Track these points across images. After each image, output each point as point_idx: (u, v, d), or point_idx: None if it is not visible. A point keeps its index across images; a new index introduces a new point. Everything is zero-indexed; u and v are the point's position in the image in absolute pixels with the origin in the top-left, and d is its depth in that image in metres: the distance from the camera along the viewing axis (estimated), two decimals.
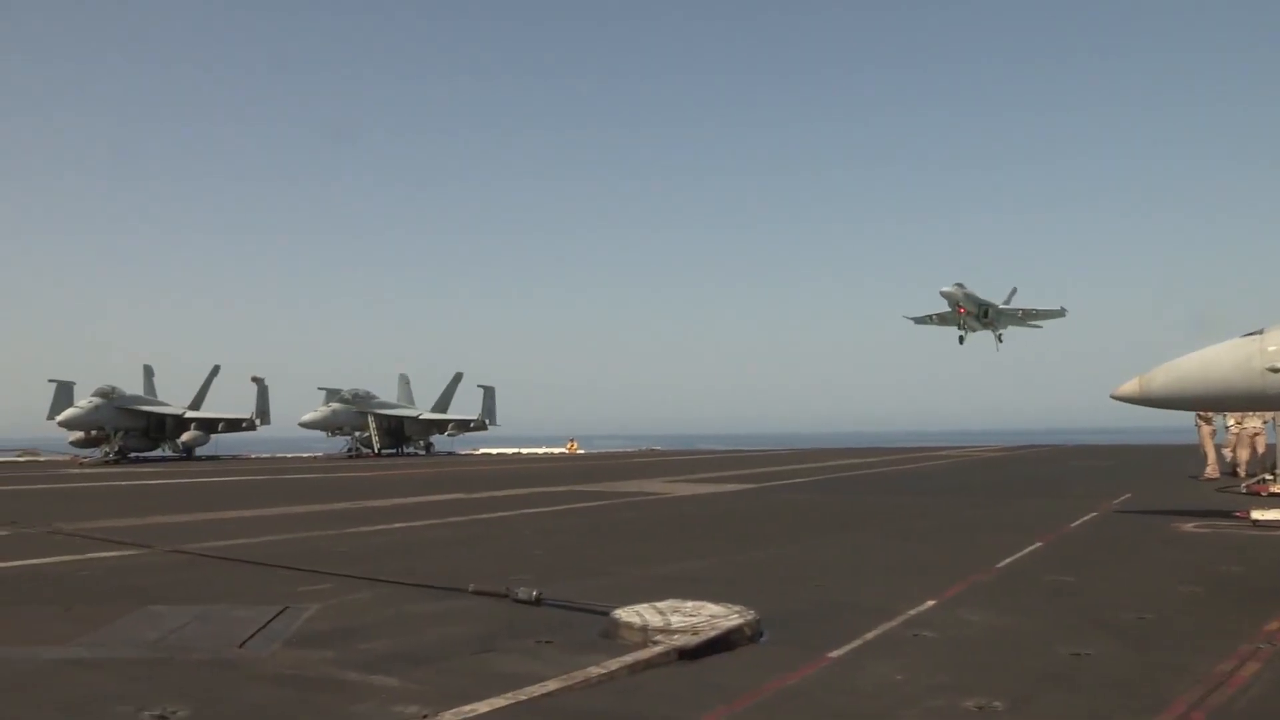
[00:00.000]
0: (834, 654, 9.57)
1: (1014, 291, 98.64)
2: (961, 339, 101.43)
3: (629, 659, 9.06)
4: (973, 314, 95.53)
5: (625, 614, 10.41)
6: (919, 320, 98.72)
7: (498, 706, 7.65)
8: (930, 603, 12.23)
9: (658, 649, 9.38)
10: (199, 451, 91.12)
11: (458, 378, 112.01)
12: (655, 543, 20.53)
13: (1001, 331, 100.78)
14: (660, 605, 10.78)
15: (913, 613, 11.61)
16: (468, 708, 7.57)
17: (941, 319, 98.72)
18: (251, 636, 10.39)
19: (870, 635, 10.38)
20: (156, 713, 7.64)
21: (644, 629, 9.93)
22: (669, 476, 46.61)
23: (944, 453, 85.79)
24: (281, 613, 11.58)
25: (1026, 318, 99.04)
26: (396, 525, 23.75)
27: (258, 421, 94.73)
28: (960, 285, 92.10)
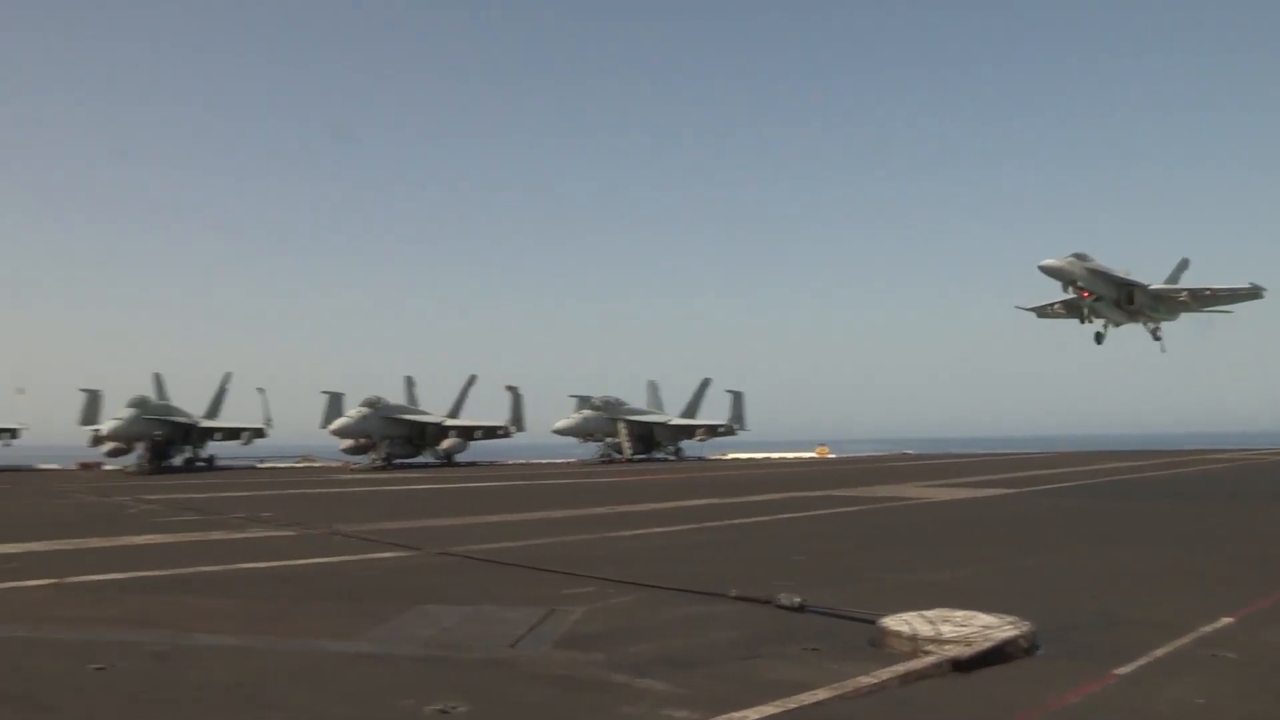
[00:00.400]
0: (1120, 671, 8.95)
1: (1183, 265, 75.29)
2: (1099, 337, 74.01)
3: (900, 669, 8.76)
4: (1108, 299, 70.53)
5: (893, 622, 10.10)
6: (1040, 312, 75.65)
7: (768, 714, 7.52)
8: (1227, 620, 11.29)
9: (929, 659, 9.03)
10: (458, 458, 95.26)
11: (706, 383, 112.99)
12: (916, 548, 19.96)
13: (1160, 322, 74.62)
14: (929, 614, 10.40)
15: (1207, 630, 10.74)
16: (738, 715, 7.48)
17: (1068, 308, 73.61)
18: (522, 637, 10.65)
19: (1160, 652, 9.67)
20: (438, 708, 7.88)
21: (913, 638, 9.59)
22: (924, 481, 45.43)
23: (1222, 455, 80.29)
24: (549, 615, 11.83)
25: (1200, 302, 73.04)
26: (654, 530, 24.03)
27: (513, 429, 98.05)
28: (1080, 257, 67.45)
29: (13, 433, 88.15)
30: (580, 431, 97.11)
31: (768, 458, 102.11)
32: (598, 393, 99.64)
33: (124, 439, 79.90)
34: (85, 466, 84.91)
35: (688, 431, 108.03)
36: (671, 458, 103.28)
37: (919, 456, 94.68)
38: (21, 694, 8.75)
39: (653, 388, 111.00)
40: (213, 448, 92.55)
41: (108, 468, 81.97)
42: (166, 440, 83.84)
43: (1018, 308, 76.26)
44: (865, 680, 8.38)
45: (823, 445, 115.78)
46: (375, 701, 8.39)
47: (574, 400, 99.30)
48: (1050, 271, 66.60)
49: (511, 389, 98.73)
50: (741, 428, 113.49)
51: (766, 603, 12.38)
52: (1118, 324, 75.56)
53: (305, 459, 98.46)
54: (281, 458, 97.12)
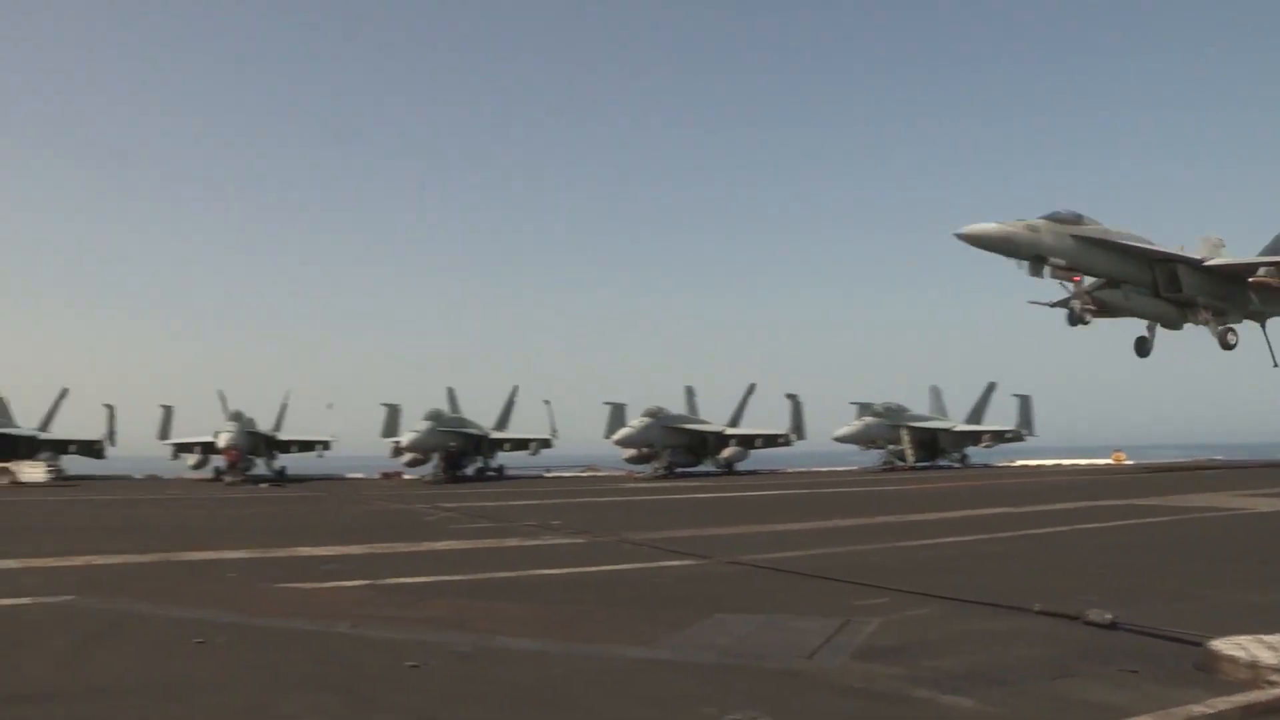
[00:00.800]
0: None
1: None
2: (1142, 344, 55.30)
3: (1239, 700, 7.94)
4: (1136, 283, 50.95)
5: (1225, 646, 9.23)
6: (1072, 311, 51.44)
7: None
8: None
9: (1276, 691, 8.17)
10: (739, 466, 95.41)
11: (991, 387, 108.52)
12: (1241, 564, 18.36)
13: (1234, 322, 53.52)
14: (1268, 639, 9.43)
15: None
16: None
17: (1101, 302, 51.39)
18: (819, 648, 10.43)
19: None
20: (737, 717, 7.79)
21: (1252, 665, 8.72)
22: (1242, 490, 41.73)
23: None
24: (844, 626, 11.54)
25: None
26: (945, 540, 23.22)
27: (793, 437, 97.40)
28: (1059, 219, 47.54)
29: (325, 445, 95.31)
30: (862, 439, 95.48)
31: (1058, 464, 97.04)
32: (879, 399, 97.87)
33: (421, 450, 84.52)
34: (387, 476, 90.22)
35: (973, 438, 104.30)
36: (956, 465, 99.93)
37: (1232, 463, 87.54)
38: (346, 685, 9.33)
39: (935, 393, 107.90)
40: (502, 458, 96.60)
41: (407, 477, 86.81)
42: (460, 451, 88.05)
43: (1032, 303, 56.08)
44: (1198, 709, 7.67)
45: (1119, 451, 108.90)
46: (675, 708, 8.42)
47: (855, 407, 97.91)
48: (978, 241, 44.88)
49: (791, 397, 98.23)
50: (1030, 433, 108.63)
51: (1074, 618, 11.66)
52: (1167, 323, 53.69)
53: (590, 468, 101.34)
54: (567, 467, 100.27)
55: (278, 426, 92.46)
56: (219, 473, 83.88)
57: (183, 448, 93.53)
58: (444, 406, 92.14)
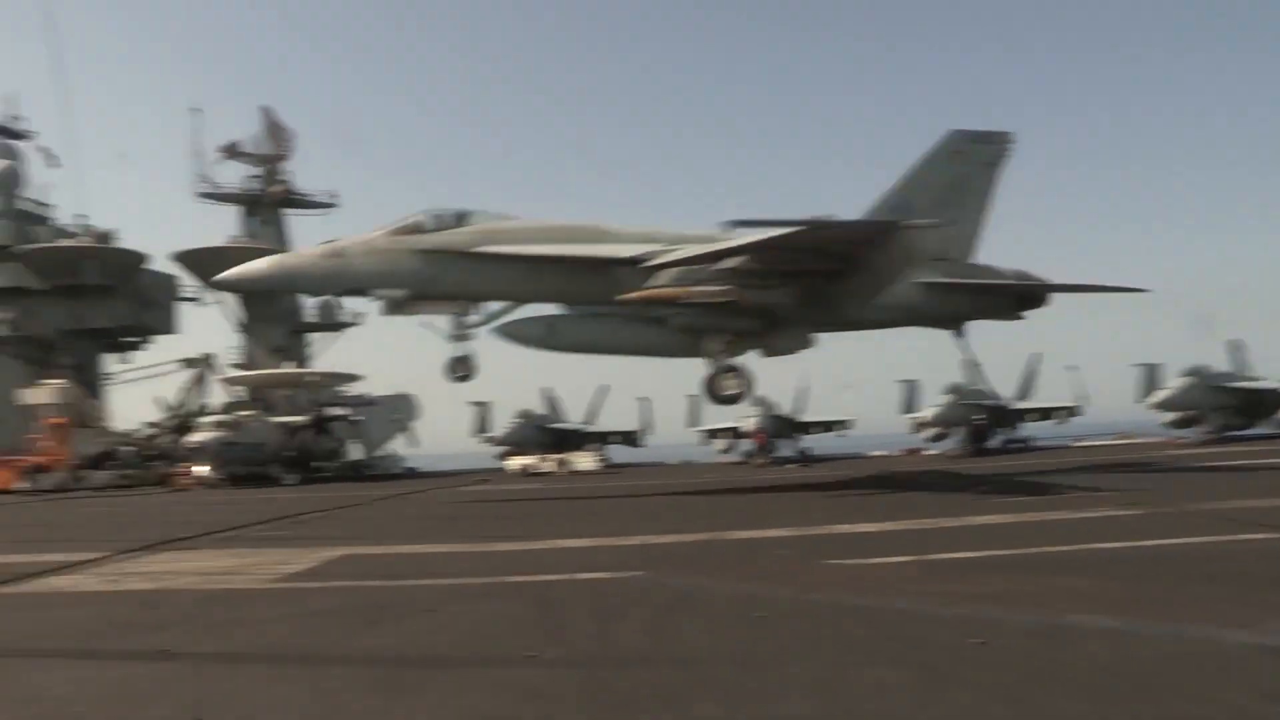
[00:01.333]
0: None
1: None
2: (712, 386, 36.91)
3: None
4: (591, 302, 35.77)
5: None
6: None
7: None
8: None
9: None
10: None
11: None
12: None
13: (787, 348, 38.60)
14: None
15: None
16: None
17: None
18: None
19: None
20: None
21: None
22: None
23: None
24: None
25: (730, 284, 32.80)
26: None
27: None
28: (412, 226, 33.47)
29: (845, 425, 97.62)
30: None
31: None
32: None
33: (943, 424, 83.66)
34: (910, 452, 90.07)
35: None
36: None
37: None
38: (914, 660, 9.26)
39: None
40: (1028, 429, 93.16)
41: (929, 452, 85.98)
42: (984, 423, 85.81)
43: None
44: None
45: None
46: None
47: None
48: (243, 287, 37.10)
49: None
50: None
51: None
52: (699, 354, 36.22)
53: (1121, 435, 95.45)
54: (1096, 435, 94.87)
55: (799, 409, 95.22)
56: (747, 455, 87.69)
57: (711, 434, 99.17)
58: (960, 379, 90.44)
